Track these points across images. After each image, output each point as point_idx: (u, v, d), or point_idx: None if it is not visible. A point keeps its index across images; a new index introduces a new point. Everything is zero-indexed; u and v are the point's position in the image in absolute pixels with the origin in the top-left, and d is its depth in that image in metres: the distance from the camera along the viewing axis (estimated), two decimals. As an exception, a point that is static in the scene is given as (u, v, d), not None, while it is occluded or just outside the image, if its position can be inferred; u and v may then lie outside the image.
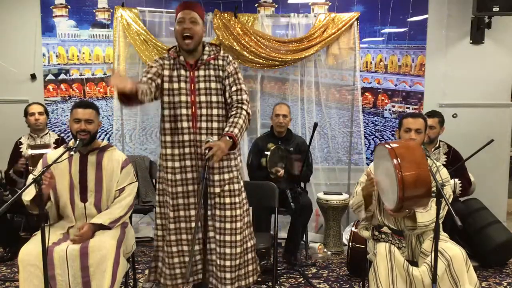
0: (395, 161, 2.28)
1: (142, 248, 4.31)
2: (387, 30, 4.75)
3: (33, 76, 4.76)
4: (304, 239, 4.20)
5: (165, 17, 4.67)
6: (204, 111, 2.61)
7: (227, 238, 2.67)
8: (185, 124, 2.62)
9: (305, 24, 4.70)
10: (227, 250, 2.66)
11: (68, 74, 4.82)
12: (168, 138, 2.66)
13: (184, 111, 2.62)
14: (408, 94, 4.80)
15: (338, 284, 3.56)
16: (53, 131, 4.46)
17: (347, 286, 3.54)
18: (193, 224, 2.68)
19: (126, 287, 2.94)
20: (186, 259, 2.73)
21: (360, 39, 4.70)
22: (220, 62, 2.67)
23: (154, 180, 4.40)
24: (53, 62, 4.80)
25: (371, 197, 2.72)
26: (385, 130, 4.84)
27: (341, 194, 4.39)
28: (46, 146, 3.78)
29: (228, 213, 2.67)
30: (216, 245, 2.68)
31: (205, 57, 2.66)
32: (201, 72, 2.64)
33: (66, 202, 2.73)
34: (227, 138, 2.49)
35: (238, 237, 2.69)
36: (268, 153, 3.81)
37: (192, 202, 2.69)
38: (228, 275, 2.66)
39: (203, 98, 2.62)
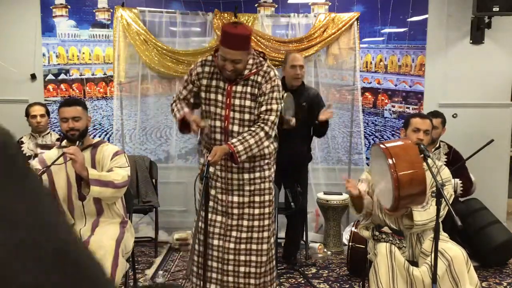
0: (390, 160, 2.29)
1: (142, 248, 4.31)
2: (387, 30, 4.74)
3: (33, 76, 4.75)
4: (304, 239, 4.20)
5: (165, 17, 4.66)
6: (236, 127, 2.61)
7: (254, 247, 2.72)
8: (218, 136, 2.65)
9: (305, 24, 4.70)
10: (253, 258, 2.72)
11: (68, 74, 4.81)
12: (206, 148, 2.72)
13: (218, 123, 2.63)
14: (408, 94, 4.80)
15: (338, 284, 3.56)
16: (53, 131, 4.45)
17: (347, 286, 3.54)
18: (216, 230, 2.74)
19: (126, 287, 2.94)
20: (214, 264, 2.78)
21: (360, 39, 4.69)
22: (259, 78, 2.59)
23: (154, 180, 4.40)
24: (53, 62, 4.79)
25: (359, 199, 2.72)
26: (385, 130, 4.83)
27: (341, 194, 4.39)
28: (52, 146, 3.78)
29: (256, 223, 2.72)
30: (238, 254, 2.73)
31: (246, 71, 2.58)
32: (239, 88, 2.59)
33: (64, 202, 2.72)
34: (227, 148, 2.48)
35: (265, 246, 2.74)
36: (284, 100, 3.58)
37: (220, 209, 2.75)
38: (252, 281, 2.72)
39: (237, 115, 2.60)
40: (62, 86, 4.82)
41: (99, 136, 4.74)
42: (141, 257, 4.10)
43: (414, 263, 2.63)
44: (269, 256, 2.78)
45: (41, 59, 4.76)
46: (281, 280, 3.60)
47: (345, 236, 4.29)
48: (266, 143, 2.58)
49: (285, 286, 3.52)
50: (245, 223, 2.70)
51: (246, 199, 2.70)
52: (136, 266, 3.59)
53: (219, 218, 2.74)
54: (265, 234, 2.74)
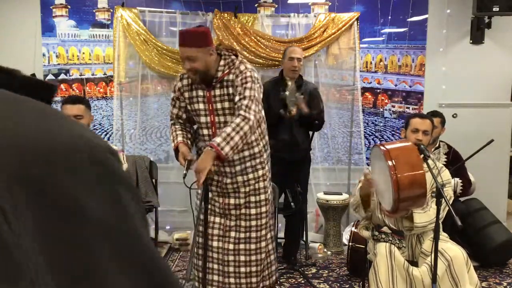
0: (390, 162, 2.29)
1: (142, 248, 4.31)
2: (387, 30, 4.74)
3: (33, 76, 4.75)
4: (304, 239, 4.20)
5: (165, 17, 4.66)
6: None
7: (253, 246, 2.71)
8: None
9: (305, 24, 4.70)
10: (253, 257, 2.72)
11: (68, 74, 4.81)
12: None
13: (205, 131, 2.64)
14: (408, 94, 4.79)
15: (338, 284, 3.56)
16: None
17: (347, 286, 3.54)
18: (215, 231, 2.75)
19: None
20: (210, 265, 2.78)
21: (360, 39, 4.69)
22: (231, 76, 2.56)
23: (154, 180, 4.40)
24: (53, 62, 4.79)
25: (368, 197, 2.72)
26: (385, 130, 4.83)
27: (341, 194, 4.39)
28: None
29: (253, 223, 2.71)
30: (238, 254, 2.72)
31: (219, 74, 2.56)
32: (217, 92, 2.57)
33: None
34: (209, 148, 2.38)
35: (263, 244, 2.74)
36: (288, 88, 3.56)
37: (217, 211, 2.75)
38: (254, 279, 2.72)
39: (221, 118, 2.60)
40: (62, 86, 4.81)
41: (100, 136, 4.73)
42: (141, 257, 4.10)
43: (414, 263, 2.63)
44: (266, 251, 2.78)
45: (41, 59, 4.76)
46: (281, 280, 3.60)
47: (345, 236, 4.29)
48: (246, 128, 2.42)
49: (285, 286, 3.52)
50: (242, 223, 2.70)
51: (242, 201, 2.69)
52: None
53: (217, 219, 2.74)
54: (263, 232, 2.74)
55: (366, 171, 2.70)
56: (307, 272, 3.79)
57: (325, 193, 4.43)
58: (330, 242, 4.35)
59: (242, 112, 2.43)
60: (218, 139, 2.37)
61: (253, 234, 2.71)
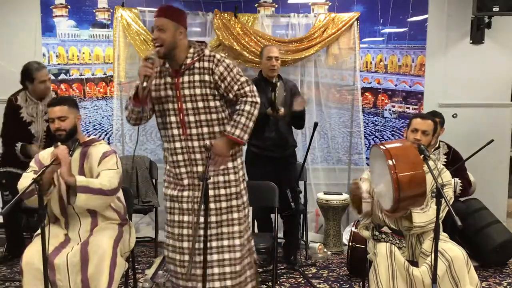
0: (390, 162, 2.29)
1: (142, 248, 4.31)
2: (387, 30, 4.75)
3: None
4: (304, 239, 4.20)
5: (165, 17, 4.66)
6: (192, 117, 2.57)
7: (225, 243, 2.61)
8: (175, 132, 2.61)
9: (305, 24, 4.70)
10: (226, 256, 2.61)
11: (68, 74, 4.82)
12: (166, 145, 2.68)
13: (173, 118, 2.61)
14: (408, 94, 4.80)
15: (338, 284, 3.56)
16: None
17: (347, 286, 3.54)
18: (184, 231, 2.65)
19: (126, 287, 2.94)
20: (178, 269, 2.70)
21: (360, 39, 4.70)
22: (206, 64, 2.57)
23: (154, 180, 4.40)
24: (53, 62, 4.79)
25: (359, 201, 2.73)
26: (385, 130, 4.84)
27: (341, 194, 4.39)
28: None
29: (214, 231, 2.60)
30: (213, 253, 2.62)
31: (188, 60, 2.58)
32: (186, 78, 2.57)
33: (56, 202, 2.66)
34: (225, 139, 2.49)
35: (237, 241, 2.64)
36: (277, 88, 3.61)
37: (186, 207, 2.65)
38: (229, 283, 2.61)
39: (189, 105, 2.57)
40: (62, 86, 4.82)
41: (99, 136, 4.74)
42: (141, 257, 4.10)
43: (414, 263, 2.63)
44: (242, 253, 2.66)
45: (41, 59, 4.76)
46: (281, 280, 3.60)
47: (345, 236, 4.30)
48: (256, 112, 2.56)
49: (285, 286, 3.52)
50: (212, 218, 2.58)
51: (211, 192, 2.57)
52: (136, 266, 3.59)
53: (186, 218, 2.64)
54: (236, 228, 2.63)
55: (365, 177, 2.71)
56: (307, 272, 3.79)
57: (325, 193, 4.44)
58: (330, 242, 4.35)
59: (249, 99, 2.55)
60: (237, 131, 2.51)
61: (214, 244, 2.60)
